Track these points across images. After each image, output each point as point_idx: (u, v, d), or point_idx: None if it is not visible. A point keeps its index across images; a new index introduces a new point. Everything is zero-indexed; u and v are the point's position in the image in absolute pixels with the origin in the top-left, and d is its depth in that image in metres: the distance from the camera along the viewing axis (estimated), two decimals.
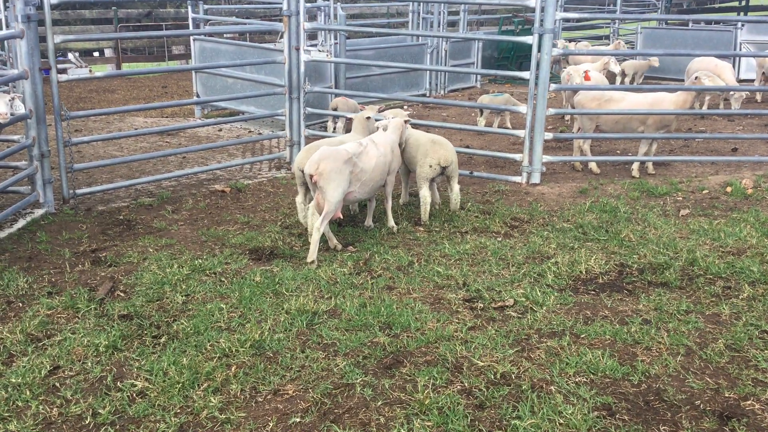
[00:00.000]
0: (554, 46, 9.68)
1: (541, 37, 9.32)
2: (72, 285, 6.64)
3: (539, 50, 9.42)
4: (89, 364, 5.15)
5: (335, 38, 14.64)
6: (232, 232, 8.31)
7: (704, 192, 9.66)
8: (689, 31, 20.66)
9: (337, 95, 12.79)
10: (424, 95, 18.22)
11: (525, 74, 9.70)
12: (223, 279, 6.84)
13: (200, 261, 7.22)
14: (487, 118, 13.70)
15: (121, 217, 8.69)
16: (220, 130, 14.08)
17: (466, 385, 4.75)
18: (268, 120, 13.82)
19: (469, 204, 9.03)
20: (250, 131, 14.03)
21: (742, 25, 18.43)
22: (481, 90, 19.54)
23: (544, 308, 5.93)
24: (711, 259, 6.85)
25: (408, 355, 5.21)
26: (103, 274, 6.95)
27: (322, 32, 15.84)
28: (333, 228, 8.16)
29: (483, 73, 19.70)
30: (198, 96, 15.21)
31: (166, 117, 15.45)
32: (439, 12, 18.55)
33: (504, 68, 20.95)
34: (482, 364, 4.99)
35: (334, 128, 13.03)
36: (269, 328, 5.68)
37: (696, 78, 10.12)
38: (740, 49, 18.39)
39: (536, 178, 9.89)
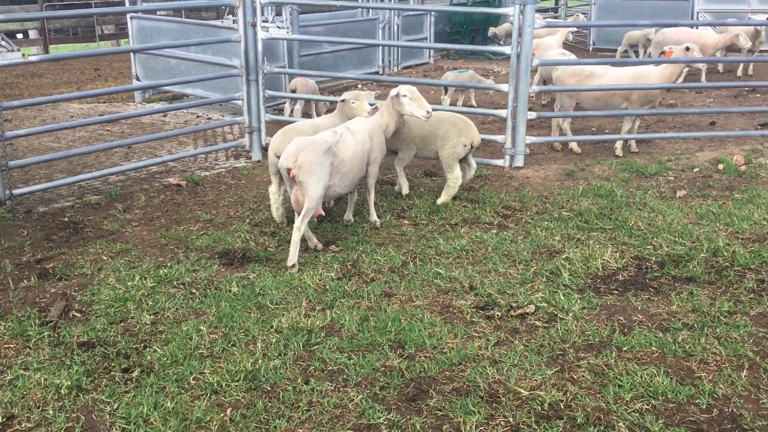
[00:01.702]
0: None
1: (523, 7, 8.58)
2: (18, 306, 5.69)
3: (521, 22, 8.67)
4: (50, 411, 4.25)
5: (289, 13, 13.65)
6: (195, 233, 7.41)
7: (695, 170, 9.14)
8: (645, 1, 20.22)
9: (296, 75, 11.86)
10: (377, 73, 17.37)
11: (506, 49, 8.97)
12: (194, 291, 5.96)
13: (165, 270, 6.32)
14: (452, 97, 12.97)
15: (66, 219, 7.69)
16: (165, 116, 12.99)
17: (510, 420, 4.02)
18: (217, 104, 12.75)
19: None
20: (198, 116, 12.99)
21: None
22: (435, 66, 18.81)
23: (571, 315, 5.24)
24: (734, 249, 6.27)
25: (431, 382, 4.46)
26: (53, 290, 6.01)
27: (268, 7, 14.81)
28: (310, 225, 7.33)
29: (457, 48, 18.86)
30: (138, 79, 14.07)
31: (103, 102, 14.26)
32: None
33: (457, 42, 20.25)
34: (523, 391, 4.27)
35: (292, 111, 12.12)
36: (261, 354, 4.85)
37: (688, 49, 9.55)
38: (697, 19, 18.04)
39: (519, 161, 9.21)
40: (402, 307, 5.55)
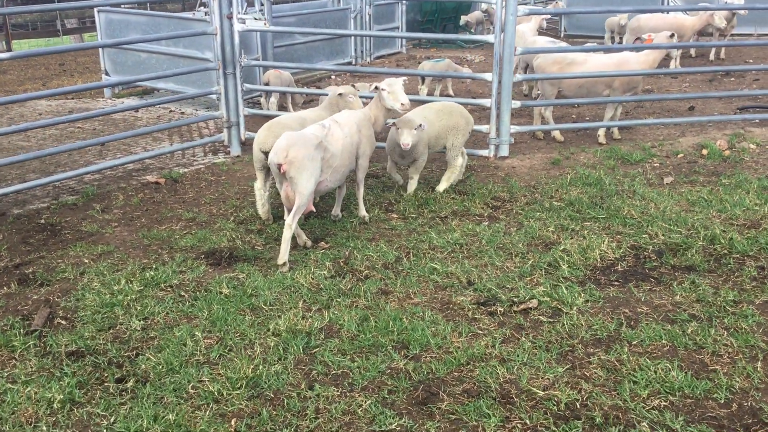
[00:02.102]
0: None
1: None
2: (0, 314, 5.45)
3: (504, 10, 8.53)
4: (44, 428, 4.04)
5: (261, 4, 13.37)
6: (178, 232, 7.19)
7: (680, 156, 9.10)
8: None
9: (275, 68, 11.60)
10: (349, 63, 17.17)
11: (490, 37, 8.82)
12: (183, 294, 5.76)
13: (150, 272, 6.10)
14: (428, 86, 12.81)
15: (43, 221, 7.42)
16: (137, 111, 12.67)
17: (527, 422, 3.90)
18: (189, 99, 12.41)
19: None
20: (171, 111, 12.69)
21: None
22: (408, 55, 18.64)
23: (575, 309, 5.13)
24: (730, 235, 6.21)
25: (440, 383, 4.32)
26: (35, 296, 5.77)
27: None
28: (299, 222, 7.16)
29: (433, 37, 18.68)
30: (107, 74, 13.71)
31: (72, 99, 13.88)
32: None
33: (428, 31, 20.10)
34: (537, 391, 4.15)
35: (267, 105, 11.87)
36: (260, 359, 4.68)
37: (672, 36, 9.49)
38: (668, 3, 18.06)
39: (504, 151, 9.10)
40: (400, 304, 5.41)
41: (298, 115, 7.80)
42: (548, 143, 9.99)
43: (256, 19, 9.25)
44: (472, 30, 20.28)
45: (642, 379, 4.19)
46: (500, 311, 5.18)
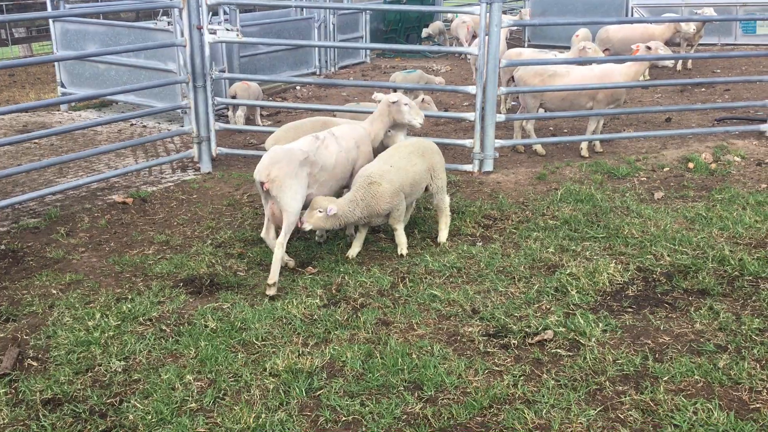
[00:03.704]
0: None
1: (490, 5, 8.14)
2: None
3: (489, 21, 8.23)
4: None
5: (224, 13, 12.87)
6: (151, 257, 6.71)
7: (665, 169, 8.90)
8: None
9: (246, 80, 11.15)
10: (313, 73, 16.77)
11: (473, 49, 8.53)
12: (164, 328, 5.30)
13: (126, 304, 5.63)
14: None
15: (3, 247, 6.87)
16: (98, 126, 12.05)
17: None
18: (160, 112, 11.81)
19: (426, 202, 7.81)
20: (132, 124, 12.11)
21: None
22: (372, 65, 18.30)
23: (593, 340, 4.81)
24: (740, 256, 5.97)
25: (464, 431, 3.94)
26: (0, 334, 5.23)
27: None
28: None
29: (413, 49, 18.40)
30: (63, 86, 13.07)
31: (25, 112, 13.18)
32: None
33: (392, 41, 19.79)
34: None
35: (234, 118, 11.40)
36: (260, 404, 4.25)
37: (648, 48, 9.31)
38: (632, 15, 18.05)
39: (489, 166, 8.79)
40: (404, 337, 5.03)
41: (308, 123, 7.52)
42: (530, 157, 9.72)
43: (228, 29, 8.79)
44: (436, 40, 20.05)
45: (683, 422, 3.88)
46: (514, 344, 4.83)
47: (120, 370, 4.72)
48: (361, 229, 6.66)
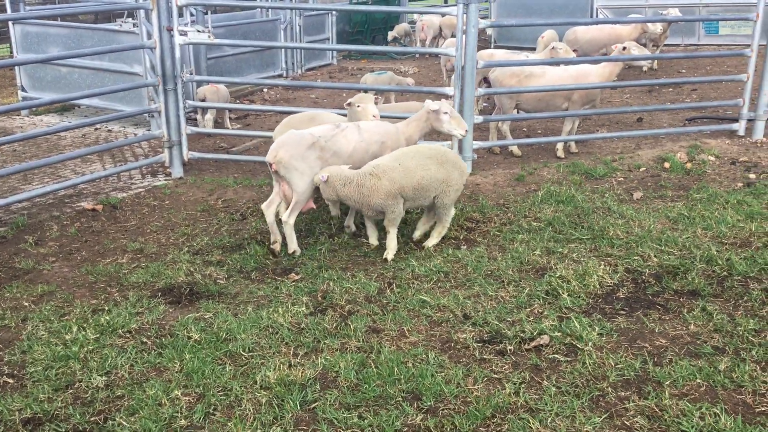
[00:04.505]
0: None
1: (467, 6, 8.05)
2: None
3: (465, 21, 8.14)
4: None
5: (191, 15, 12.62)
6: (126, 266, 6.49)
7: (642, 169, 8.91)
8: None
9: (218, 83, 10.93)
10: (280, 75, 16.57)
11: (450, 50, 8.43)
12: (145, 340, 5.10)
13: (104, 316, 5.41)
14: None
15: None
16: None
17: None
18: (130, 116, 11.49)
19: None
20: (96, 128, 11.79)
21: None
22: (339, 66, 18.14)
23: (590, 344, 4.73)
24: (727, 256, 5.95)
25: None
26: None
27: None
28: (260, 251, 6.60)
29: (384, 50, 18.27)
30: (24, 89, 12.70)
31: None
32: None
33: (359, 42, 19.67)
34: None
35: (203, 122, 11.17)
36: (253, 419, 4.08)
37: (624, 48, 9.31)
38: (597, 16, 18.17)
39: (467, 168, 8.67)
40: (396, 344, 4.89)
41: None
42: (506, 158, 9.67)
43: (199, 31, 8.57)
44: (402, 42, 19.97)
45: (691, 428, 3.80)
46: (510, 350, 4.73)
47: (102, 385, 4.51)
48: (366, 221, 6.76)
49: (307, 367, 4.60)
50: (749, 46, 9.81)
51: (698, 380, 4.25)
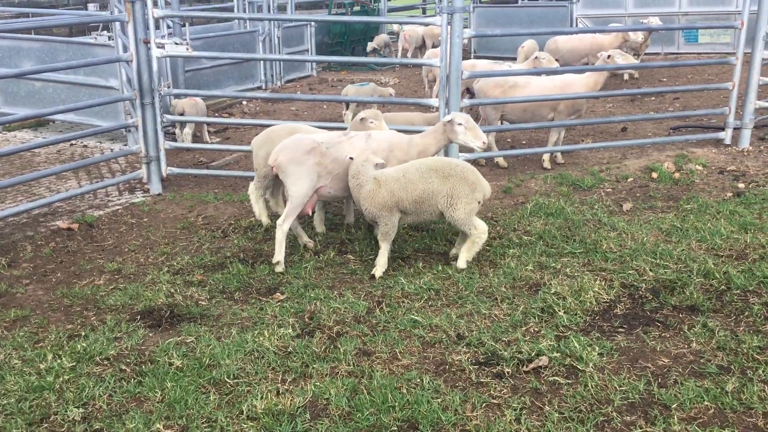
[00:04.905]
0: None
1: (451, 16, 7.90)
2: None
3: (450, 32, 7.98)
4: None
5: (167, 27, 12.39)
6: (103, 288, 6.24)
7: (630, 180, 8.78)
8: (522, 8, 20.21)
9: (196, 96, 10.69)
10: (259, 87, 16.35)
11: (435, 60, 8.27)
12: (124, 368, 4.85)
13: (80, 342, 5.16)
14: (354, 111, 12.14)
15: None
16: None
17: None
18: (107, 131, 11.17)
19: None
20: (72, 144, 11.50)
21: (577, 0, 18.17)
22: (319, 78, 17.95)
23: (591, 365, 4.55)
24: (724, 269, 5.80)
25: None
26: None
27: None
28: (243, 269, 6.37)
29: (366, 61, 18.10)
30: None
31: None
32: None
33: (338, 53, 19.50)
34: None
35: (182, 136, 10.91)
36: None
37: (609, 57, 9.20)
38: (577, 25, 18.12)
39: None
40: (388, 368, 4.69)
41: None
42: (492, 170, 9.50)
43: (176, 43, 8.34)
44: (382, 52, 19.83)
45: None
46: (508, 372, 4.53)
47: (79, 418, 4.26)
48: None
49: (296, 395, 4.38)
50: (734, 54, 9.74)
51: (706, 402, 4.08)
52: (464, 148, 7.48)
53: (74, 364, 4.86)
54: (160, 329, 5.48)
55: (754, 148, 9.76)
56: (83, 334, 5.35)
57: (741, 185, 8.37)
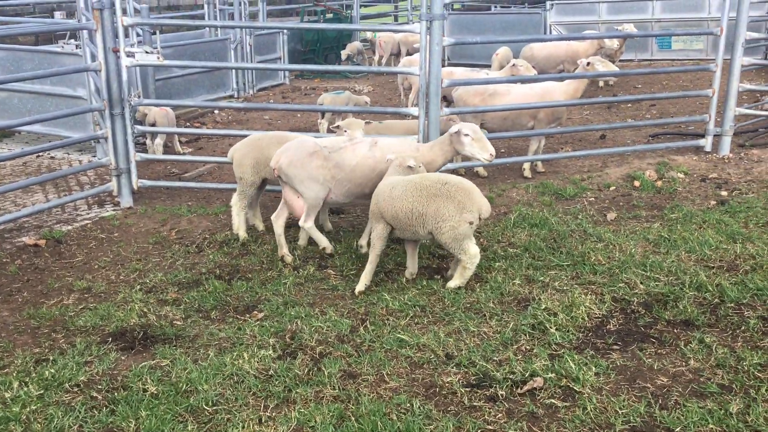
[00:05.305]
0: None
1: (430, 23, 7.72)
2: None
3: (429, 39, 7.79)
4: None
5: (137, 35, 12.07)
6: (72, 308, 5.95)
7: (612, 189, 8.65)
8: (496, 15, 20.13)
9: (167, 106, 10.40)
10: (231, 96, 16.07)
11: (415, 69, 8.08)
12: (95, 395, 4.58)
13: (48, 368, 4.87)
14: (329, 120, 11.92)
15: None
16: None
17: None
18: (77, 143, 10.79)
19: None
20: (38, 156, 11.12)
21: (551, 6, 18.11)
22: (292, 86, 17.69)
23: (588, 387, 4.36)
24: (717, 281, 5.66)
25: None
26: None
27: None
28: (219, 286, 6.11)
29: (342, 70, 17.83)
30: None
31: None
32: (240, 2, 16.35)
33: (311, 61, 19.26)
34: None
35: (153, 147, 10.61)
36: None
37: (588, 64, 9.08)
38: (551, 32, 18.07)
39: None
40: (375, 392, 4.46)
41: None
42: (471, 179, 9.25)
43: (147, 52, 8.06)
44: (355, 60, 19.62)
45: None
46: (501, 395, 4.33)
47: None
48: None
49: (280, 423, 4.14)
50: (712, 60, 9.68)
51: (711, 425, 3.90)
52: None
53: (42, 391, 4.58)
54: (133, 352, 5.20)
55: (735, 155, 9.69)
56: (51, 358, 5.05)
57: (724, 193, 8.28)
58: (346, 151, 6.48)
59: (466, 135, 6.44)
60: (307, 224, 6.57)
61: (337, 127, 7.16)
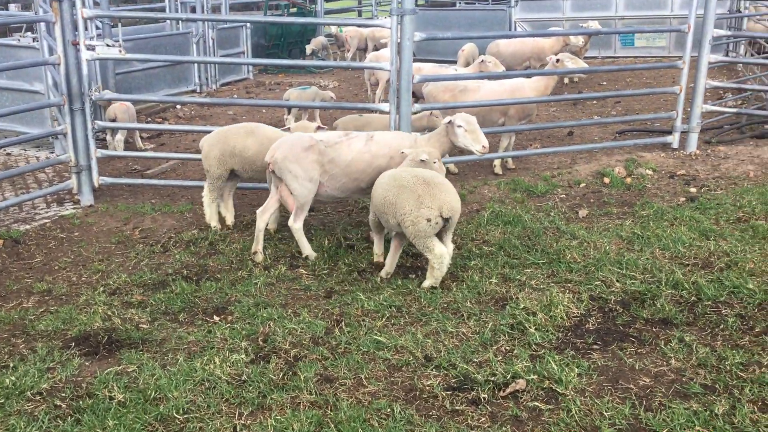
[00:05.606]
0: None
1: (401, 18, 7.59)
2: None
3: (400, 34, 7.66)
4: None
5: (96, 28, 11.73)
6: (32, 311, 5.72)
7: (582, 185, 8.62)
8: (462, 11, 20.07)
9: (130, 101, 10.12)
10: (194, 91, 15.76)
11: (385, 64, 7.94)
12: (59, 404, 4.39)
13: (8, 375, 4.66)
14: (296, 116, 11.73)
15: None
16: None
17: None
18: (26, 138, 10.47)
19: (345, 229, 7.15)
20: None
21: (516, 3, 18.10)
22: (256, 81, 17.43)
23: (570, 388, 4.28)
24: (693, 279, 5.63)
25: None
26: None
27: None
28: (187, 288, 5.91)
29: (308, 65, 17.53)
30: None
31: None
32: None
33: (275, 56, 19.00)
34: None
35: (114, 143, 10.31)
36: None
37: (558, 61, 9.03)
38: (515, 29, 18.04)
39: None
40: (354, 396, 4.33)
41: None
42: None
43: (108, 45, 7.80)
44: (320, 55, 19.41)
45: None
46: (484, 398, 4.23)
47: None
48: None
49: (255, 431, 3.97)
50: (680, 57, 9.70)
51: (698, 428, 3.84)
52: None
53: (2, 400, 4.37)
54: (97, 357, 5.00)
55: (702, 152, 9.73)
56: (12, 365, 4.83)
57: (693, 190, 8.30)
58: (342, 147, 6.38)
59: (459, 126, 6.40)
60: (296, 225, 6.42)
61: (287, 129, 7.00)
